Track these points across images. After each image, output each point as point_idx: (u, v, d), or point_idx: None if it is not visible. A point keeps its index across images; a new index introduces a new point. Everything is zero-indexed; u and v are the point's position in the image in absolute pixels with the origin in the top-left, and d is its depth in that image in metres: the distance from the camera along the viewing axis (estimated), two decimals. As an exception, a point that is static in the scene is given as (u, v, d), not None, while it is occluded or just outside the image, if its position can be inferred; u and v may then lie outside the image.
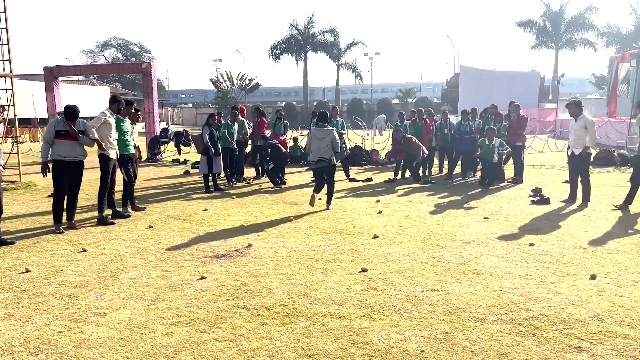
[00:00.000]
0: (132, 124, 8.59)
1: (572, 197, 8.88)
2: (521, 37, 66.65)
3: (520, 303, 4.32)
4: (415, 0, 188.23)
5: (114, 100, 7.85)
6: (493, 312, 4.15)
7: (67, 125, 6.98)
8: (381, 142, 19.19)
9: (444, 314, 4.12)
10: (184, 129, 19.88)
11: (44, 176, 7.27)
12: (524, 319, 4.00)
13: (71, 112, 7.06)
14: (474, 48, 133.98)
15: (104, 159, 7.62)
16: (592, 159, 14.30)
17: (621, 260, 5.45)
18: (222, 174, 11.44)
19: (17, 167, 12.23)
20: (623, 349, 3.52)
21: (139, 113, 9.42)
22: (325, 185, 8.61)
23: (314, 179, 9.19)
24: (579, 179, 8.75)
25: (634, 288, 4.64)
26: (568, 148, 9.09)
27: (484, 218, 7.62)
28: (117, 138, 7.81)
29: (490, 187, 10.38)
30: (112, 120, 7.64)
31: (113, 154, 7.71)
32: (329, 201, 8.66)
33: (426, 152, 11.60)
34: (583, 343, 3.60)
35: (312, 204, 8.32)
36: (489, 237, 6.51)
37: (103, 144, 7.45)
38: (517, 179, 11.16)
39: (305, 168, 14.59)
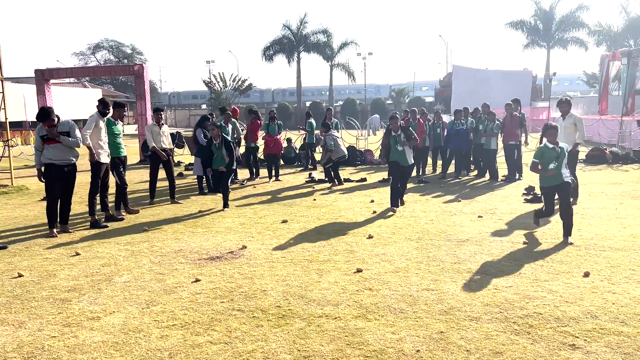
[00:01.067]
0: (158, 126, 9.04)
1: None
2: (513, 36, 67.11)
3: (515, 301, 4.33)
4: (407, 0, 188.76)
5: (100, 102, 7.80)
6: (488, 310, 4.16)
7: (45, 128, 6.81)
8: (375, 142, 19.22)
9: (439, 314, 4.12)
10: (177, 131, 19.82)
11: (40, 181, 7.15)
12: (518, 317, 4.01)
13: (41, 113, 6.85)
14: (466, 48, 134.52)
15: (95, 163, 7.58)
16: (584, 157, 14.44)
17: (614, 257, 5.48)
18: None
19: (9, 171, 12.14)
20: (617, 346, 3.54)
21: (162, 113, 9.41)
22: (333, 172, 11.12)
23: (332, 168, 11.23)
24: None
25: (627, 285, 4.66)
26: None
27: (478, 217, 7.65)
28: (107, 141, 7.77)
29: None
30: (102, 124, 7.60)
31: (105, 158, 7.67)
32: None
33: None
34: (577, 340, 3.62)
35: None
36: (483, 236, 6.53)
37: (95, 152, 7.43)
38: (510, 177, 11.21)
39: (299, 169, 14.60)
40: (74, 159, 7.07)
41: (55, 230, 7.06)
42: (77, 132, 7.04)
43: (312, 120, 14.44)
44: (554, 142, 6.34)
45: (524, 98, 32.05)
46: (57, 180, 6.95)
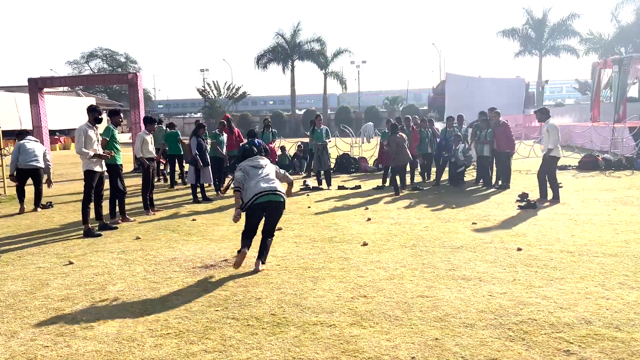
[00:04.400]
0: (151, 136, 9.20)
1: (543, 196, 9.54)
2: (505, 44, 67.83)
3: (509, 308, 4.34)
4: (400, 9, 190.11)
5: (90, 110, 7.75)
6: (483, 317, 4.16)
7: None
8: (369, 149, 19.27)
9: (434, 320, 4.12)
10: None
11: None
12: (513, 324, 4.02)
13: None
14: (459, 56, 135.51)
15: (88, 173, 7.55)
16: (577, 163, 14.52)
17: (607, 263, 5.51)
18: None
19: (2, 180, 12.07)
20: (611, 351, 3.55)
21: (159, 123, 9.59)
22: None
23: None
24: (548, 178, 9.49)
25: (620, 291, 4.68)
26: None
27: (472, 224, 7.67)
28: (100, 150, 7.75)
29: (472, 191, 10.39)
30: (91, 133, 7.56)
31: (98, 167, 7.64)
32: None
33: (411, 159, 11.60)
34: (572, 346, 3.63)
35: None
36: (477, 242, 6.55)
37: (88, 157, 7.44)
38: (504, 184, 11.26)
39: (294, 177, 14.60)
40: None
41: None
42: None
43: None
44: (456, 145, 11.59)
45: (517, 105, 32.35)
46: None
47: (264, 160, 5.92)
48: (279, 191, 5.60)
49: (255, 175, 5.65)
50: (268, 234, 5.75)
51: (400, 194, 10.76)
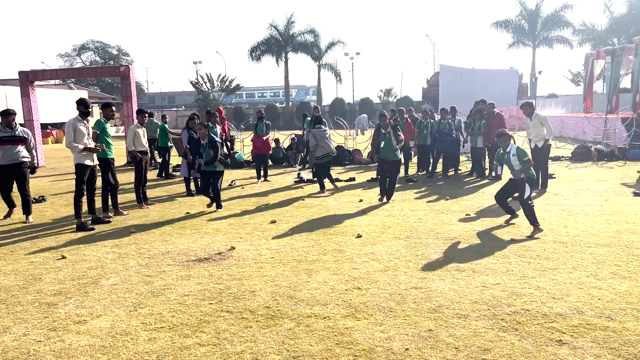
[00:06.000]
0: (142, 129, 9.18)
1: (535, 185, 9.51)
2: (499, 35, 67.81)
3: (503, 298, 4.36)
4: (394, 1, 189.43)
5: (79, 104, 7.64)
6: (476, 308, 4.18)
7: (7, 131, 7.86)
8: (363, 141, 19.26)
9: (427, 312, 4.14)
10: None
11: None
12: (506, 314, 4.04)
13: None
14: (453, 47, 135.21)
15: (79, 167, 7.50)
16: (570, 154, 14.61)
17: (600, 253, 5.54)
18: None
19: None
20: (603, 341, 3.57)
21: (147, 116, 9.55)
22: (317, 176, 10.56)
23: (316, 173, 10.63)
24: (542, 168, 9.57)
25: (612, 281, 4.72)
26: (530, 142, 9.89)
27: (466, 215, 7.69)
28: (91, 143, 7.68)
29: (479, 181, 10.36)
30: (81, 126, 7.49)
31: (89, 160, 7.58)
32: (332, 182, 10.64)
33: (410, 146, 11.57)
34: (564, 336, 3.65)
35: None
36: (470, 234, 6.57)
37: (78, 151, 7.39)
38: (498, 175, 11.29)
39: (288, 169, 14.57)
40: (24, 159, 8.11)
41: (8, 216, 8.41)
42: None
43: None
44: (505, 147, 6.99)
45: (511, 96, 32.42)
46: (8, 176, 8.09)
47: (326, 130, 10.36)
48: (331, 154, 10.25)
49: (321, 142, 10.03)
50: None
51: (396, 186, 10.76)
